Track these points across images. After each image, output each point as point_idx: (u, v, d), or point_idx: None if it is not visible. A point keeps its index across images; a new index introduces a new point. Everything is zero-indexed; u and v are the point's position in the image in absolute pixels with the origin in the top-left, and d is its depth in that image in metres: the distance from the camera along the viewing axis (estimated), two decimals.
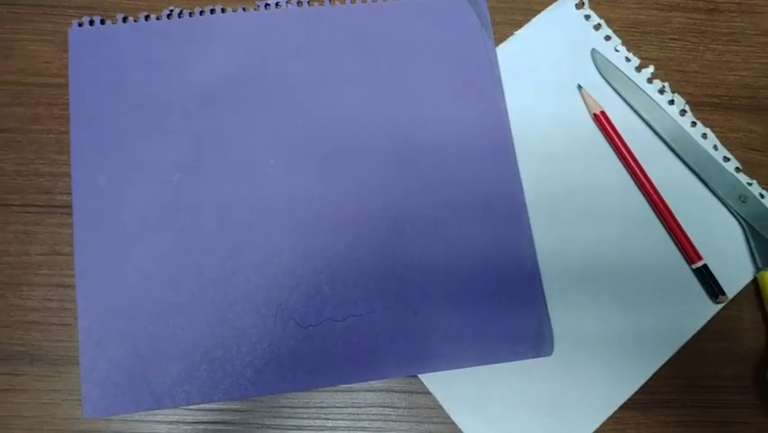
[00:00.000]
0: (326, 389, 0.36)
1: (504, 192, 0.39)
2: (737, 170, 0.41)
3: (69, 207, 0.37)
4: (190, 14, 0.41)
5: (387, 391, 0.37)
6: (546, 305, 0.38)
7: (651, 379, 0.37)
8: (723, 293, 0.38)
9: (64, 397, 0.36)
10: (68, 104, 0.39)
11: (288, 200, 0.38)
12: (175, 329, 0.36)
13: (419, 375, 0.37)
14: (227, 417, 0.36)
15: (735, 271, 0.39)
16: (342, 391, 0.37)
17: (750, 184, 0.41)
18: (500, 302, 0.37)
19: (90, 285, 0.36)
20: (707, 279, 0.39)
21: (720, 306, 0.39)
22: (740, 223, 0.40)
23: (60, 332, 0.36)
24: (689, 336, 0.38)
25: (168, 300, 0.36)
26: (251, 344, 0.36)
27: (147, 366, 0.35)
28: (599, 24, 0.43)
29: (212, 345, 0.36)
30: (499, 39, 0.43)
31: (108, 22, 0.40)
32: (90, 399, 0.34)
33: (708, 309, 0.39)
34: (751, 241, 0.39)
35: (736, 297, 0.39)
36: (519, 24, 0.43)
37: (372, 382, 0.37)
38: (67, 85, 0.39)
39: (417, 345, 0.36)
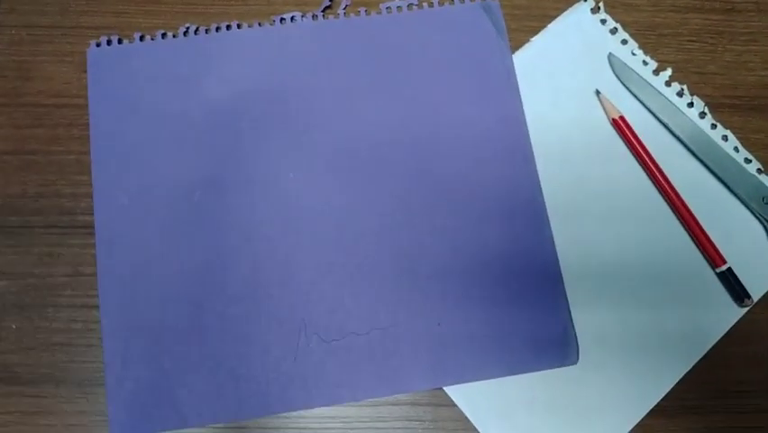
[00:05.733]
0: (352, 403, 0.36)
1: (524, 199, 0.39)
2: (759, 171, 0.41)
3: (92, 227, 0.38)
4: (206, 31, 0.41)
5: (412, 404, 0.37)
6: (570, 313, 0.38)
7: (677, 385, 0.37)
8: (748, 296, 0.38)
9: (91, 418, 0.36)
10: (87, 124, 0.39)
11: (309, 214, 0.38)
12: (200, 347, 0.36)
13: (444, 387, 0.37)
14: None
15: (759, 273, 0.39)
16: (368, 405, 0.37)
17: None
18: (524, 311, 0.37)
19: (114, 305, 0.36)
20: (731, 282, 0.38)
21: (746, 309, 0.38)
22: (763, 225, 0.40)
23: (86, 353, 0.37)
24: (714, 341, 0.38)
25: (191, 318, 0.36)
26: (275, 360, 0.36)
27: (173, 385, 0.35)
28: (616, 28, 0.43)
29: (237, 362, 0.36)
30: (516, 46, 0.42)
31: (126, 41, 0.41)
32: (117, 420, 0.35)
33: (733, 313, 0.38)
34: None
35: (761, 299, 0.39)
36: (535, 31, 0.43)
37: (398, 396, 0.37)
38: (86, 105, 0.39)
39: (441, 357, 0.36)
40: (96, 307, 0.37)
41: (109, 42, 0.40)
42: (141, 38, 0.41)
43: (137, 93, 0.39)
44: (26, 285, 0.37)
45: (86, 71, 0.40)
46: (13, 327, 0.37)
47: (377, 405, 0.37)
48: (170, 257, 0.37)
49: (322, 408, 0.36)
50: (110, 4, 0.42)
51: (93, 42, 0.40)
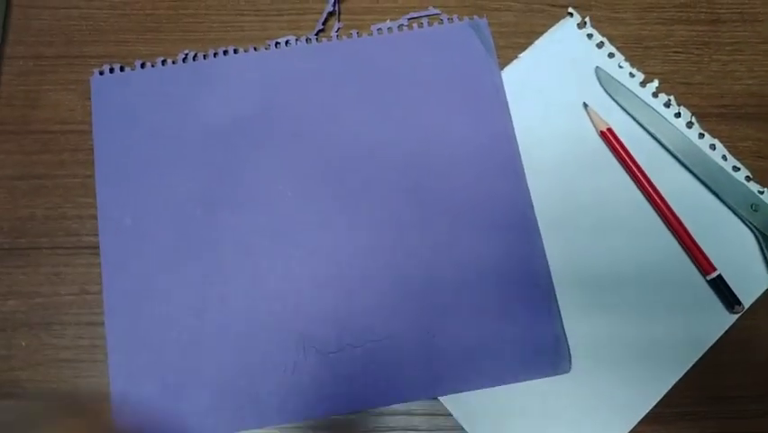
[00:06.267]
0: (349, 413, 0.37)
1: (515, 212, 0.40)
2: (748, 178, 0.41)
3: (97, 247, 0.39)
4: (204, 57, 0.43)
5: (408, 414, 0.38)
6: (562, 321, 0.38)
7: (670, 392, 0.38)
8: (739, 303, 0.38)
9: None
10: (92, 148, 0.41)
11: (306, 229, 0.39)
12: (201, 361, 0.37)
13: (439, 397, 0.37)
14: None
15: (750, 280, 0.39)
16: (365, 415, 0.37)
17: (761, 192, 0.41)
18: (516, 322, 0.38)
19: (119, 322, 0.37)
20: (722, 289, 0.39)
21: (737, 316, 0.39)
22: (753, 232, 0.40)
23: (91, 369, 0.38)
24: (706, 348, 0.38)
25: (193, 333, 0.37)
26: (274, 373, 0.37)
27: (175, 398, 0.36)
28: (602, 42, 0.44)
29: (237, 375, 0.37)
30: (504, 62, 0.43)
31: (127, 68, 0.42)
32: None
33: (724, 320, 0.39)
34: (764, 249, 0.39)
35: (752, 306, 0.39)
36: (523, 47, 0.44)
37: (394, 406, 0.37)
38: (90, 131, 0.41)
39: (436, 368, 0.37)
40: (102, 324, 0.38)
41: (111, 70, 0.42)
42: (142, 65, 0.42)
43: (138, 117, 0.41)
44: (34, 304, 0.39)
45: (89, 98, 0.42)
46: (23, 344, 0.38)
47: (373, 415, 0.37)
48: (172, 274, 0.38)
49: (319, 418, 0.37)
50: (111, 33, 0.44)
51: (96, 71, 0.42)
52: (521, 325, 0.38)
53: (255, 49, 0.43)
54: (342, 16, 0.44)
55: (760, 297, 0.39)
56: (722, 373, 0.38)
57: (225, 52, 0.43)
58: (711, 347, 0.38)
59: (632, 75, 0.43)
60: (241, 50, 0.43)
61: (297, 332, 0.38)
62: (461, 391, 0.37)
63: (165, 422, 0.36)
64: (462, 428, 0.37)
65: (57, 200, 0.41)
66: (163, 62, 0.42)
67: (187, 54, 0.42)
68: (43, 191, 0.41)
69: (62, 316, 0.39)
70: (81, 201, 0.41)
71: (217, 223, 0.39)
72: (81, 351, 0.38)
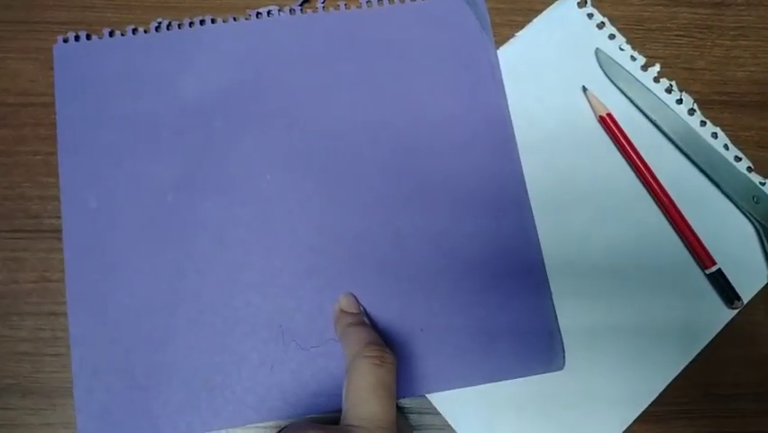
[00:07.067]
0: (332, 411, 0.35)
1: (508, 197, 0.38)
2: (749, 169, 0.40)
3: (59, 231, 0.36)
4: (179, 26, 0.40)
5: None
6: (556, 317, 0.37)
7: (666, 389, 0.36)
8: (738, 298, 0.37)
9: (58, 431, 0.34)
10: (55, 123, 0.37)
11: (287, 217, 0.37)
12: (173, 356, 0.34)
13: (426, 395, 0.35)
14: None
15: (750, 274, 0.38)
16: None
17: (763, 184, 0.39)
18: (509, 316, 0.36)
19: (83, 312, 0.35)
20: (721, 284, 0.37)
21: (736, 311, 0.38)
22: (753, 224, 0.39)
23: (53, 362, 0.35)
24: (704, 343, 0.37)
25: (164, 326, 0.35)
26: (252, 369, 0.34)
27: (145, 395, 0.34)
28: (603, 23, 0.42)
29: (212, 371, 0.34)
30: (500, 41, 0.41)
31: (95, 37, 0.39)
32: (86, 431, 0.33)
33: (723, 315, 0.38)
34: (765, 243, 0.38)
35: (751, 301, 0.38)
36: (520, 25, 0.41)
37: None
38: (53, 104, 0.38)
39: (424, 363, 0.35)
40: (64, 314, 0.35)
41: (77, 38, 0.39)
42: (111, 33, 0.39)
43: (106, 91, 0.38)
44: None
45: (53, 68, 0.38)
46: None
47: None
48: (142, 263, 0.36)
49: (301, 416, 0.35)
50: None
51: (60, 38, 0.39)
52: (513, 318, 0.36)
53: (235, 19, 0.40)
54: None
55: (759, 292, 0.38)
56: (719, 369, 0.37)
57: (202, 22, 0.40)
58: (709, 343, 0.37)
59: (633, 58, 0.41)
60: (219, 19, 0.40)
61: (276, 325, 0.35)
62: (449, 389, 0.35)
63: (134, 421, 0.33)
64: (450, 427, 0.35)
65: (16, 179, 0.38)
66: (134, 31, 0.39)
67: (160, 23, 0.39)
68: (1, 169, 0.38)
69: (21, 305, 0.36)
70: (42, 181, 0.37)
71: (192, 208, 0.37)
72: (41, 344, 0.35)
